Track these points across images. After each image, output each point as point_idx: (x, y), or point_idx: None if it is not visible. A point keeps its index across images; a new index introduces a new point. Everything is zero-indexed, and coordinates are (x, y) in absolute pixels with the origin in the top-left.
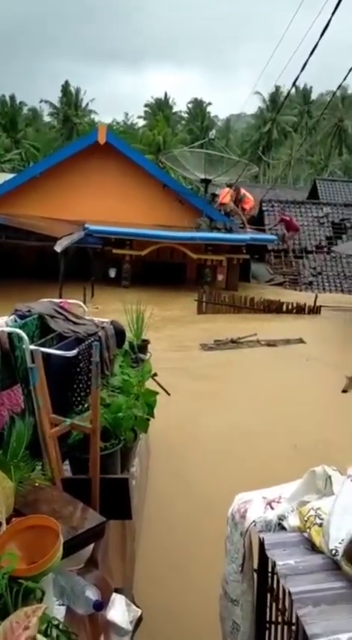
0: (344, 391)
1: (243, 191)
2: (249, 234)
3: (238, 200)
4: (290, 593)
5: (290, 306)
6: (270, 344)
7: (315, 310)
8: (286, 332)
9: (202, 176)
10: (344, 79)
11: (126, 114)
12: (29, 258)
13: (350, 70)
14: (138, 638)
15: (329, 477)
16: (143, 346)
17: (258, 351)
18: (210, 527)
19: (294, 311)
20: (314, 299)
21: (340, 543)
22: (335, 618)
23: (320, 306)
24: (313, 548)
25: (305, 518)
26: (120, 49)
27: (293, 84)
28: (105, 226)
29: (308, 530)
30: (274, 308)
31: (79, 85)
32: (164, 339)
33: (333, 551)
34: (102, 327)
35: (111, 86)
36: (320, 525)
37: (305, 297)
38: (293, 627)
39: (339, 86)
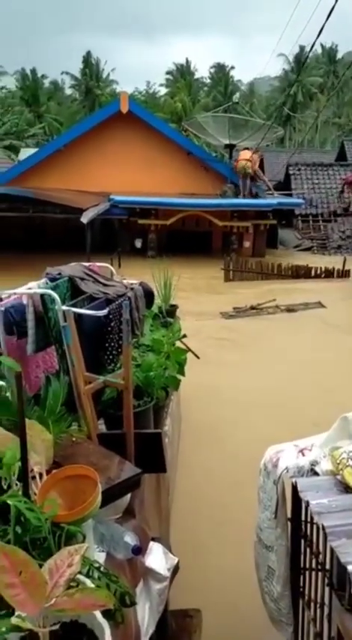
0: None
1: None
2: (276, 199)
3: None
4: (323, 528)
5: (318, 271)
6: (290, 309)
7: (344, 274)
8: (315, 296)
9: (226, 141)
10: None
11: (148, 82)
12: (56, 231)
13: None
14: (174, 587)
15: None
16: (172, 311)
17: (278, 317)
18: (243, 482)
19: (323, 275)
20: (343, 262)
21: None
22: None
23: (349, 270)
24: (346, 489)
25: (338, 462)
26: (140, 19)
27: (312, 46)
28: (130, 196)
29: (341, 472)
30: (302, 273)
31: (99, 56)
32: (190, 308)
33: None
34: (132, 289)
35: (132, 57)
36: None
37: (334, 262)
38: (328, 568)
39: None
